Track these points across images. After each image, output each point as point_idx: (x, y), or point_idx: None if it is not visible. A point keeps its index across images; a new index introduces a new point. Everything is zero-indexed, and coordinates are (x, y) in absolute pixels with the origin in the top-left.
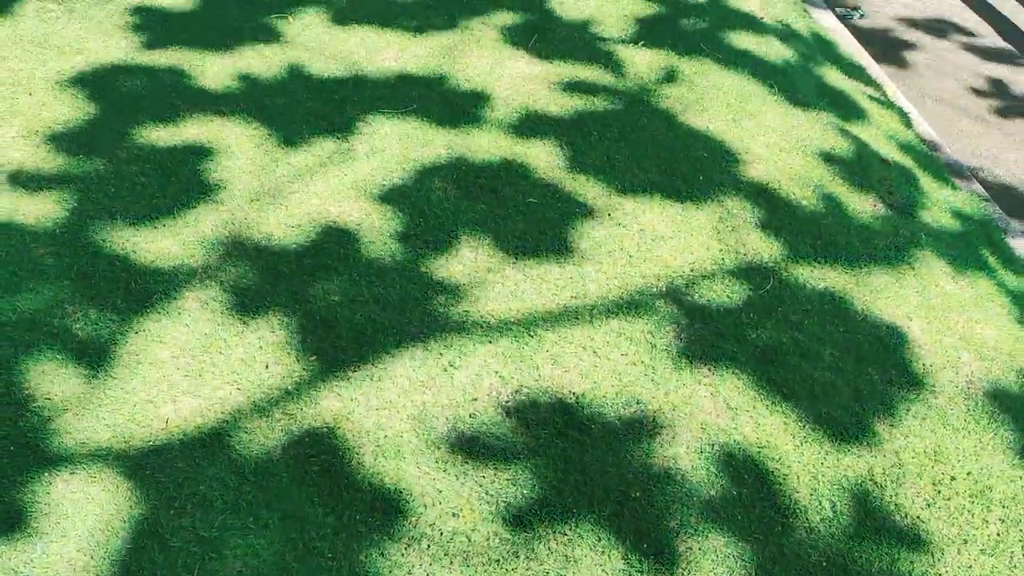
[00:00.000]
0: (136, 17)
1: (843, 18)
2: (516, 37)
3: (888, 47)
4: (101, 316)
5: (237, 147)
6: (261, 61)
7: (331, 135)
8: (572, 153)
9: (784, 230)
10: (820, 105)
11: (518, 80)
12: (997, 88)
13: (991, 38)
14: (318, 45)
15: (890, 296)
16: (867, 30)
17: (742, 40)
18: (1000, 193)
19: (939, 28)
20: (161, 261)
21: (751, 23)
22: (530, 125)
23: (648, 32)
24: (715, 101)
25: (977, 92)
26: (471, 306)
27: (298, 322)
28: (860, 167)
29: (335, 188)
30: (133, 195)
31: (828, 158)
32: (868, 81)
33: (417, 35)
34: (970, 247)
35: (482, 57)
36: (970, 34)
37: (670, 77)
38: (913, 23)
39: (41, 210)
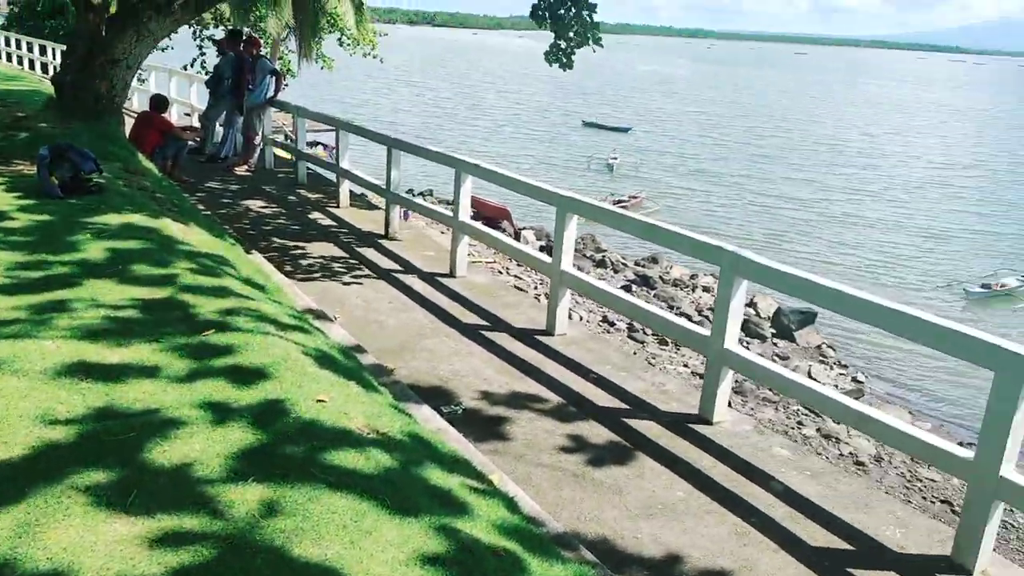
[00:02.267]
0: None
1: (448, 415)
2: (112, 498)
3: (489, 428)
4: None
5: None
6: None
7: None
8: None
9: None
10: (432, 509)
11: (114, 545)
12: (580, 443)
13: (565, 406)
14: None
15: None
16: (469, 417)
17: (350, 459)
18: (606, 553)
19: (524, 400)
20: None
21: (358, 440)
22: None
23: (257, 466)
24: (330, 525)
25: (568, 451)
26: None
27: None
28: (473, 564)
29: None
30: None
31: (442, 563)
32: (473, 472)
33: None
34: None
35: (70, 528)
36: (549, 403)
37: (281, 509)
38: (500, 399)
39: None
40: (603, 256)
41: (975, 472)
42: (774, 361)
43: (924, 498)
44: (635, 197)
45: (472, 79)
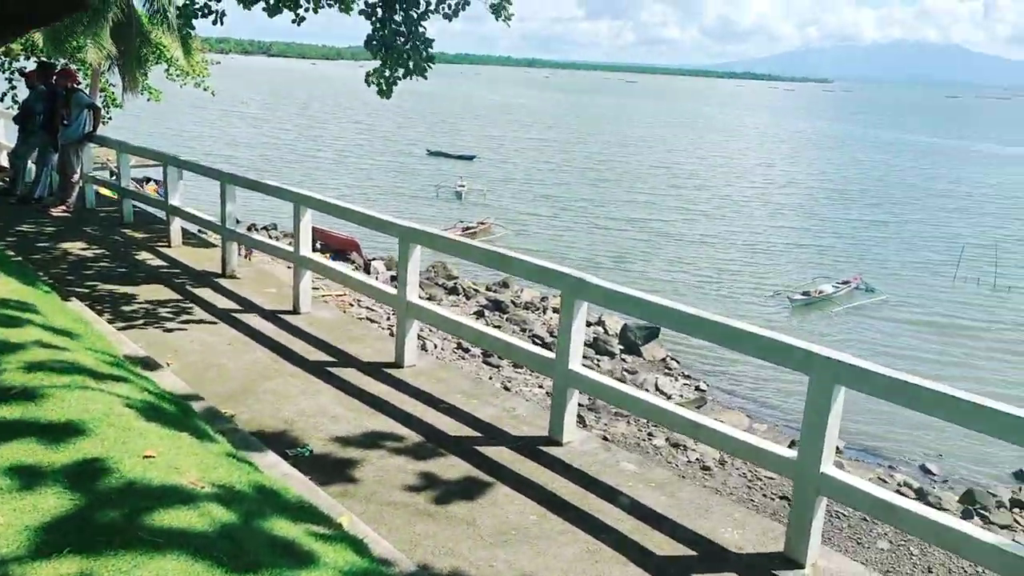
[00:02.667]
0: None
1: (295, 458)
2: None
3: (338, 468)
4: None
5: None
6: None
7: None
8: None
9: None
10: (275, 562)
11: None
12: (433, 477)
13: (416, 439)
14: None
15: None
16: (318, 459)
17: (182, 516)
18: None
19: (375, 437)
20: None
21: (190, 496)
22: None
23: (73, 535)
24: None
25: (421, 485)
26: None
27: None
28: None
29: None
30: None
31: None
32: (321, 518)
33: None
34: None
35: None
36: (400, 438)
37: None
38: (349, 438)
39: None
40: (455, 283)
41: (799, 470)
42: (623, 376)
43: (764, 495)
44: (483, 223)
45: (313, 109)
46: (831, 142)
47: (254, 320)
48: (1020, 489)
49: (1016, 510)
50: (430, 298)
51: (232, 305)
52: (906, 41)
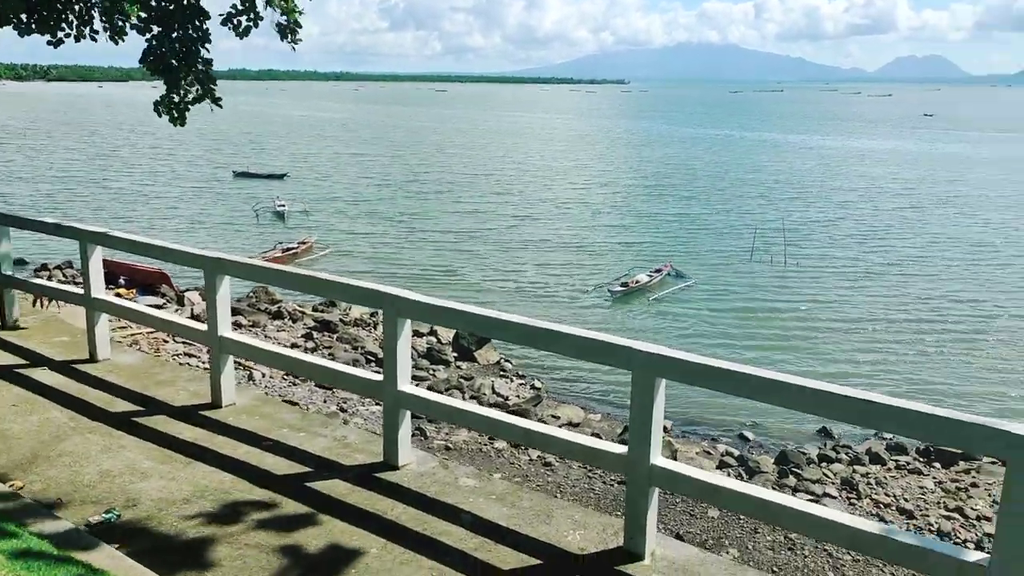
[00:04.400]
0: None
1: (99, 526)
2: None
3: (152, 531)
4: None
5: None
6: None
7: None
8: None
9: None
10: None
11: None
12: (263, 521)
13: (240, 484)
14: None
15: None
16: (128, 524)
17: None
18: None
19: (193, 488)
20: None
21: None
22: None
23: None
24: None
25: (250, 531)
26: None
27: None
28: None
29: None
30: None
31: None
32: None
33: None
34: None
35: None
36: (221, 486)
37: None
38: (164, 494)
39: None
40: (279, 307)
41: (630, 465)
42: (460, 383)
43: (604, 483)
44: (304, 242)
45: (103, 135)
46: (637, 139)
47: (43, 375)
48: (824, 445)
49: (824, 464)
50: (254, 325)
51: (15, 360)
52: (691, 43)
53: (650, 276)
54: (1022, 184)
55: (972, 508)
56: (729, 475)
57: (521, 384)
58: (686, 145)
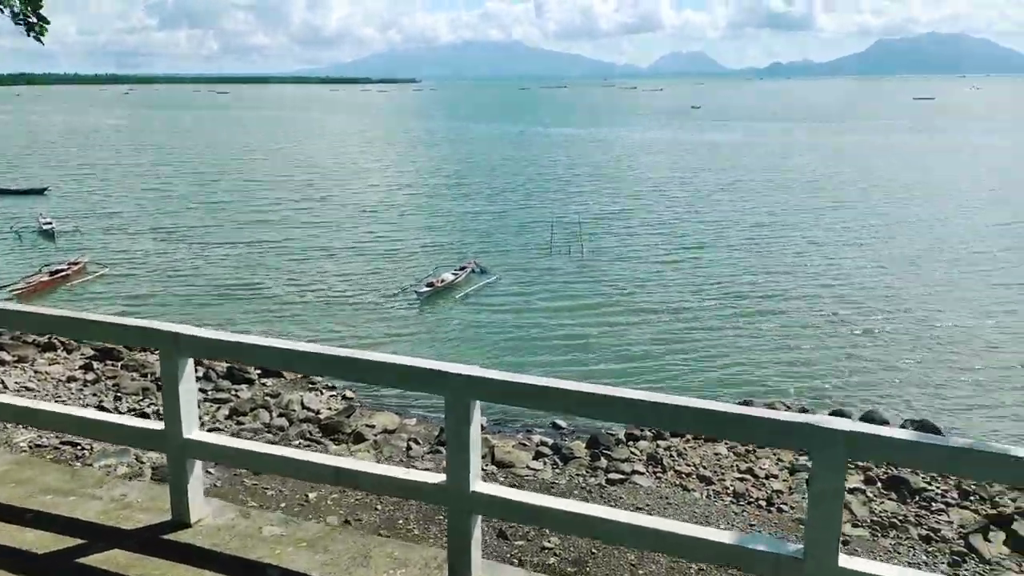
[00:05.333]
0: None
1: None
2: None
3: None
4: None
5: None
6: None
7: None
8: None
9: None
10: None
11: None
12: None
13: None
14: None
15: None
16: None
17: None
18: None
19: None
20: None
21: None
22: None
23: None
24: None
25: None
26: None
27: None
28: None
29: None
30: None
31: None
32: None
33: None
34: None
35: None
36: None
37: None
38: None
39: None
40: (49, 338)
41: (451, 495)
42: (266, 401)
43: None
44: (76, 263)
45: None
46: (434, 138)
47: None
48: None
49: (631, 443)
50: (20, 360)
51: None
52: (477, 41)
53: (455, 274)
54: (780, 169)
55: (760, 468)
56: (545, 464)
57: (332, 395)
58: (483, 142)
